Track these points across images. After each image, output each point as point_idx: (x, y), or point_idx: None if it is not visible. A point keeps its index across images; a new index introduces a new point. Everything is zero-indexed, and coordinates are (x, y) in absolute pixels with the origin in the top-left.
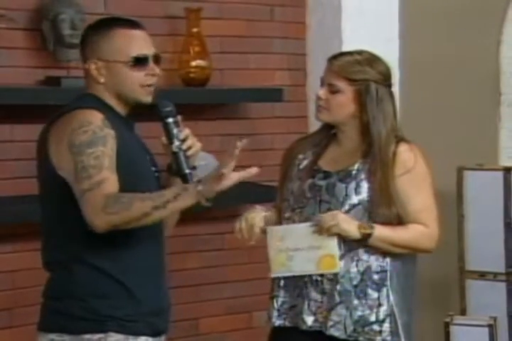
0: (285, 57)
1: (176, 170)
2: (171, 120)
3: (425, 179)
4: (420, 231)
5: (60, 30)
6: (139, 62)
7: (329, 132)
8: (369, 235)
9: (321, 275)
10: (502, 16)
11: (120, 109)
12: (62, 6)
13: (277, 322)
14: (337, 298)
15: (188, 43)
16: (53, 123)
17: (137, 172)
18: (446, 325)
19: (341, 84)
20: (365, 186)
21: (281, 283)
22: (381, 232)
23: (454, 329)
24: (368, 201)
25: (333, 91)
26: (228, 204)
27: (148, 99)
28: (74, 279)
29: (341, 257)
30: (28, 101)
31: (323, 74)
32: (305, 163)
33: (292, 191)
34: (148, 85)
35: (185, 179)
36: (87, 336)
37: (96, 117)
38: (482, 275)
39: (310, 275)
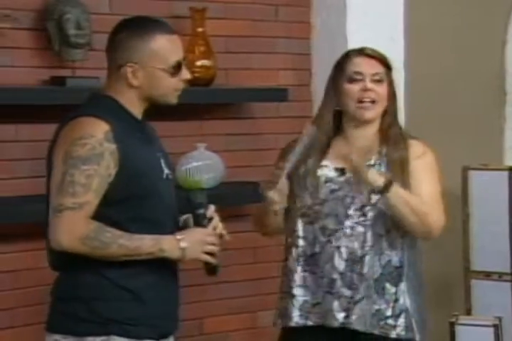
0: (289, 57)
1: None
2: (201, 211)
3: (435, 170)
4: (432, 206)
5: (65, 30)
6: (176, 69)
7: (328, 131)
8: (390, 184)
9: (351, 271)
10: (507, 16)
11: (138, 111)
12: (67, 5)
13: (300, 322)
14: (362, 292)
15: (193, 43)
16: (63, 127)
17: (145, 182)
18: (451, 324)
19: (383, 72)
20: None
21: (299, 281)
22: (399, 189)
23: (459, 329)
24: None
25: (379, 80)
26: (229, 204)
27: (176, 100)
28: (79, 282)
29: (368, 252)
30: (33, 101)
31: (357, 67)
32: (310, 161)
33: (306, 187)
34: (180, 90)
35: None
36: (90, 338)
37: (100, 129)
38: (487, 275)
39: (340, 273)
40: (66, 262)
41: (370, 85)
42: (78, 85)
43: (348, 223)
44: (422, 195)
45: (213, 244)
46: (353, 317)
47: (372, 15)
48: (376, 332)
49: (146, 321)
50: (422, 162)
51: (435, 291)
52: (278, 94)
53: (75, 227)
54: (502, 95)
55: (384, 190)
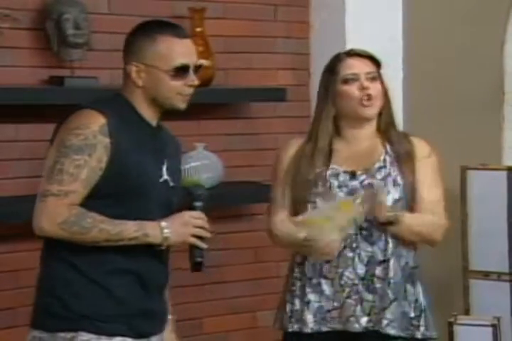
0: (288, 56)
1: (189, 259)
2: (198, 204)
3: (439, 170)
4: (432, 221)
5: (63, 29)
6: (180, 72)
7: (329, 136)
8: (400, 218)
9: (372, 275)
10: (506, 15)
11: (150, 114)
12: (66, 5)
13: (315, 328)
14: (391, 296)
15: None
16: (66, 118)
17: (134, 181)
18: (450, 324)
19: (375, 71)
20: (399, 181)
21: (314, 287)
22: (408, 219)
23: (457, 329)
24: (405, 195)
25: (373, 78)
26: (228, 204)
27: (183, 105)
28: (53, 277)
29: (390, 255)
30: (32, 101)
31: (350, 68)
32: (317, 166)
33: (318, 192)
34: (186, 94)
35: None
36: (62, 334)
37: (96, 122)
38: (486, 275)
39: (361, 278)
40: (44, 255)
41: (366, 83)
42: (76, 85)
43: (366, 227)
44: (426, 200)
45: (202, 228)
46: (384, 321)
47: (372, 15)
48: (403, 334)
49: (120, 319)
50: (430, 161)
51: (434, 291)
52: (277, 94)
53: (56, 212)
54: (501, 95)
55: (393, 222)
